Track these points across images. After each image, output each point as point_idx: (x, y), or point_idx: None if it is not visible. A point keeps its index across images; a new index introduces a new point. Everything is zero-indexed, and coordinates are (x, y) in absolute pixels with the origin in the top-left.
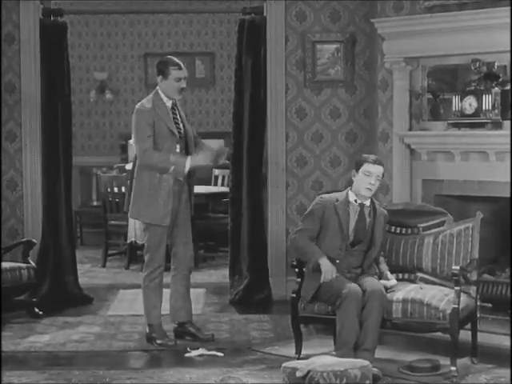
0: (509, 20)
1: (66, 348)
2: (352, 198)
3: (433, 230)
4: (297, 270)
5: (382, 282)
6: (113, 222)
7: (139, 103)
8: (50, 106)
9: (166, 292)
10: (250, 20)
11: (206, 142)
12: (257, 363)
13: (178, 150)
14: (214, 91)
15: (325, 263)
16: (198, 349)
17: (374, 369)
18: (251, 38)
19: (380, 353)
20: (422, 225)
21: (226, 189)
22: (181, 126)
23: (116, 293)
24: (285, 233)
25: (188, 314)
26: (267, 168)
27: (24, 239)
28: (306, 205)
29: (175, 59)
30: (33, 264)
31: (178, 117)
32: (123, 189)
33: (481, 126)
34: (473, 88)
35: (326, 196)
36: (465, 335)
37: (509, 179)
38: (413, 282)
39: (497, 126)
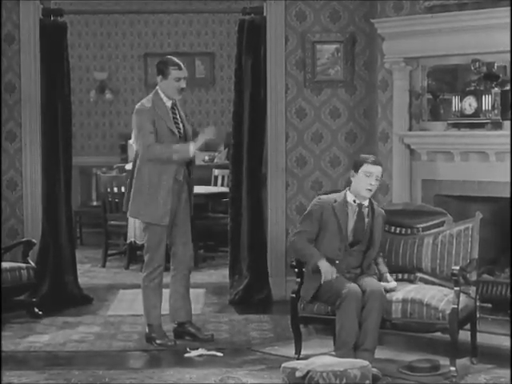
0: (509, 20)
1: (66, 348)
2: (350, 198)
3: (432, 231)
4: (296, 270)
5: (382, 284)
6: (113, 222)
7: (139, 103)
8: (49, 106)
9: (166, 292)
10: (250, 20)
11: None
12: (256, 363)
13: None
14: (213, 91)
15: (324, 265)
16: (197, 349)
17: (374, 369)
18: (251, 38)
19: (380, 353)
20: (421, 225)
21: (225, 189)
22: (180, 125)
23: (116, 293)
24: (285, 233)
25: (188, 314)
26: (267, 168)
27: (24, 239)
28: (305, 205)
29: (175, 59)
30: (33, 264)
31: (178, 117)
32: (123, 189)
33: (481, 126)
34: (473, 88)
35: (324, 197)
36: (464, 335)
37: (509, 179)
38: (412, 282)
39: (497, 126)
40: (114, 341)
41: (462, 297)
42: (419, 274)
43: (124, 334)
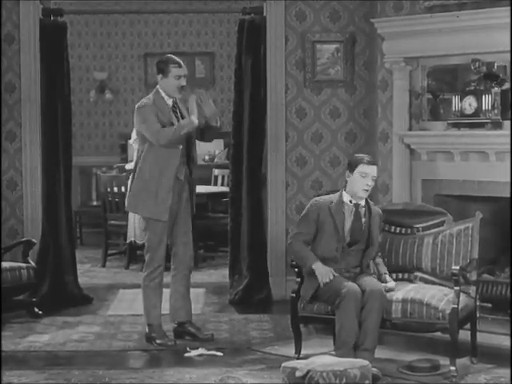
0: (509, 20)
1: (66, 348)
2: (346, 198)
3: (432, 230)
4: (296, 269)
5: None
6: (112, 222)
7: (139, 102)
8: (49, 106)
9: (166, 292)
10: (250, 20)
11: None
12: (256, 363)
13: (180, 147)
14: (213, 91)
15: (318, 268)
16: (197, 349)
17: (374, 369)
18: (251, 37)
19: (379, 353)
20: (421, 225)
21: (225, 189)
22: None
23: (116, 293)
24: (285, 233)
25: (188, 313)
26: (267, 168)
27: (24, 239)
28: (305, 205)
29: (175, 57)
30: (33, 264)
31: (179, 114)
32: (123, 189)
33: (480, 126)
34: (472, 88)
35: (320, 199)
36: (464, 335)
37: (509, 179)
38: (412, 281)
39: (496, 125)
40: (113, 340)
41: (462, 296)
42: (419, 274)
43: (124, 334)
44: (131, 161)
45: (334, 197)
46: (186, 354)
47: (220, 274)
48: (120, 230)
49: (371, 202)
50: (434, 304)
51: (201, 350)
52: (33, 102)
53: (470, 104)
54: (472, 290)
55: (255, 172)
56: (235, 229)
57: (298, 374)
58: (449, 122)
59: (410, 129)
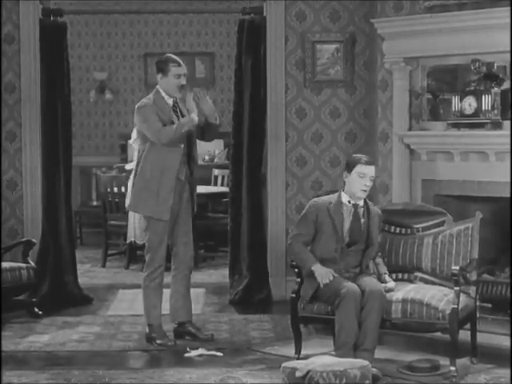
0: (509, 20)
1: (66, 348)
2: (345, 199)
3: (432, 230)
4: (296, 270)
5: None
6: (112, 222)
7: (139, 102)
8: (49, 106)
9: (166, 292)
10: (250, 20)
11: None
12: (256, 363)
13: (181, 146)
14: (213, 91)
15: (317, 269)
16: (197, 349)
17: (374, 369)
18: (251, 38)
19: (379, 353)
20: (421, 225)
21: (225, 189)
22: None
23: (116, 293)
24: (285, 233)
25: (188, 313)
26: (267, 168)
27: (24, 239)
28: (305, 205)
29: (174, 56)
30: (33, 264)
31: (180, 114)
32: (123, 189)
33: (480, 126)
34: (472, 88)
35: (319, 199)
36: (464, 335)
37: (509, 179)
38: (412, 282)
39: (496, 126)
40: (114, 341)
41: (462, 297)
42: (419, 274)
43: (124, 334)
44: (131, 161)
45: (332, 197)
46: (186, 354)
47: (220, 274)
48: (120, 230)
49: (370, 202)
50: (433, 304)
51: (201, 350)
52: (33, 102)
53: (469, 104)
54: (472, 290)
55: (255, 172)
56: (235, 229)
57: (298, 374)
58: (449, 122)
59: (410, 129)
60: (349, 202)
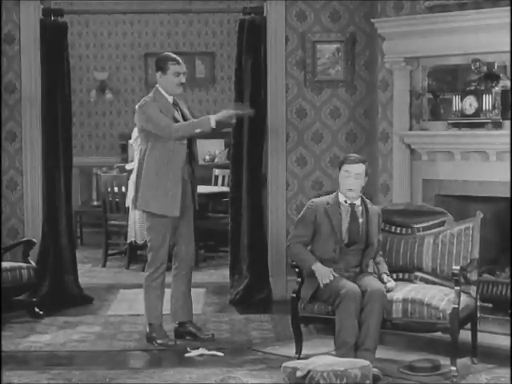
0: (509, 20)
1: (66, 348)
2: (342, 198)
3: (433, 230)
4: (297, 270)
5: None
6: (113, 222)
7: (140, 101)
8: (50, 106)
9: (168, 292)
10: (250, 20)
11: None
12: (257, 363)
13: (185, 142)
14: (214, 91)
15: (318, 268)
16: (198, 348)
17: (375, 369)
18: (251, 37)
19: (380, 353)
20: (422, 225)
21: (226, 189)
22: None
23: (116, 293)
24: (285, 233)
25: (189, 313)
26: (267, 168)
27: (24, 239)
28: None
29: (173, 55)
30: (33, 264)
31: (180, 113)
32: (123, 189)
33: (481, 125)
34: (473, 88)
35: (316, 200)
36: (465, 335)
37: (509, 179)
38: (413, 281)
39: (497, 125)
40: (114, 341)
41: (463, 296)
42: (420, 274)
43: (124, 334)
44: (131, 161)
45: (330, 198)
46: (187, 354)
47: (220, 274)
48: (120, 230)
49: (368, 201)
50: (434, 304)
51: (201, 350)
52: (33, 102)
53: (470, 104)
54: (472, 289)
55: (255, 172)
56: (235, 229)
57: (299, 374)
58: (449, 121)
59: (411, 129)
60: (345, 201)
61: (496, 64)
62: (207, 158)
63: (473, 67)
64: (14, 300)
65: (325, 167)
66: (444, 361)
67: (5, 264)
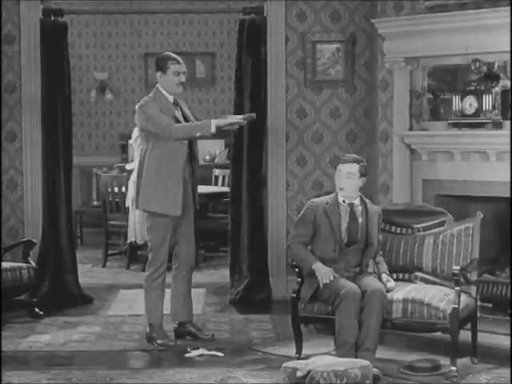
0: (509, 20)
1: (67, 348)
2: (341, 198)
3: (433, 230)
4: (297, 270)
5: None
6: (113, 222)
7: (141, 101)
8: (50, 106)
9: (168, 292)
10: (250, 20)
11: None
12: (257, 363)
13: (185, 142)
14: (214, 91)
15: (318, 267)
16: (198, 349)
17: (375, 369)
18: (251, 38)
19: (380, 353)
20: (422, 225)
21: (226, 189)
22: (183, 121)
23: (116, 293)
24: (285, 233)
25: (189, 313)
26: (267, 168)
27: (24, 239)
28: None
29: (173, 54)
30: (33, 264)
31: (180, 112)
32: (123, 189)
33: (481, 125)
34: (473, 88)
35: (316, 200)
36: (465, 335)
37: (509, 179)
38: (413, 282)
39: (497, 125)
40: (114, 341)
41: (463, 296)
42: (420, 274)
43: (124, 334)
44: (131, 161)
45: (329, 198)
46: (187, 354)
47: (220, 274)
48: (120, 230)
49: (367, 201)
50: (434, 304)
51: (201, 350)
52: (33, 102)
53: (470, 104)
54: (473, 289)
55: (255, 172)
56: (235, 229)
57: (299, 374)
58: (449, 121)
59: (411, 129)
60: (344, 201)
61: (496, 64)
62: (207, 157)
63: (473, 67)
64: (14, 300)
65: (325, 167)
66: (444, 361)
67: (5, 264)
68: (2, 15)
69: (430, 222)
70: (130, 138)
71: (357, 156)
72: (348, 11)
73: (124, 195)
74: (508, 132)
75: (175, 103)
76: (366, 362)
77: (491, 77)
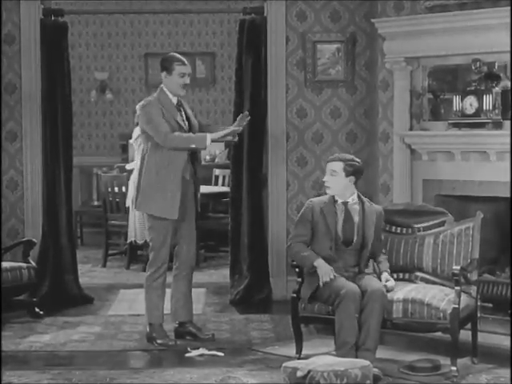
0: (509, 20)
1: (67, 348)
2: (337, 197)
3: (433, 230)
4: (297, 269)
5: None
6: (113, 222)
7: (144, 100)
8: (50, 106)
9: (168, 292)
10: (251, 20)
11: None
12: (257, 363)
13: None
14: (214, 91)
15: (320, 265)
16: (198, 349)
17: (375, 369)
18: (252, 38)
19: (380, 353)
20: (422, 225)
21: (226, 189)
22: (186, 123)
23: (116, 293)
24: (285, 233)
25: (189, 313)
26: (267, 168)
27: (24, 239)
28: None
29: (179, 55)
30: (33, 264)
31: (184, 114)
32: (124, 189)
33: (481, 125)
34: (473, 88)
35: (314, 199)
36: (465, 335)
37: (509, 179)
38: (413, 282)
39: (497, 125)
40: (114, 341)
41: (463, 296)
42: (420, 274)
43: (125, 334)
44: (132, 161)
45: (327, 197)
46: (187, 354)
47: (221, 274)
48: (120, 230)
49: (365, 200)
50: (434, 304)
51: (201, 350)
52: (33, 102)
53: (470, 104)
54: (473, 289)
55: (256, 172)
56: (236, 229)
57: (299, 374)
58: (449, 121)
59: (411, 129)
60: (337, 200)
61: (496, 64)
62: (208, 158)
63: (473, 67)
64: (14, 300)
65: (325, 167)
66: (444, 361)
67: (5, 264)
68: (2, 15)
69: (430, 222)
70: (131, 138)
71: (347, 155)
72: (348, 11)
73: (124, 195)
74: (508, 132)
75: (179, 104)
76: (367, 362)
77: (491, 77)
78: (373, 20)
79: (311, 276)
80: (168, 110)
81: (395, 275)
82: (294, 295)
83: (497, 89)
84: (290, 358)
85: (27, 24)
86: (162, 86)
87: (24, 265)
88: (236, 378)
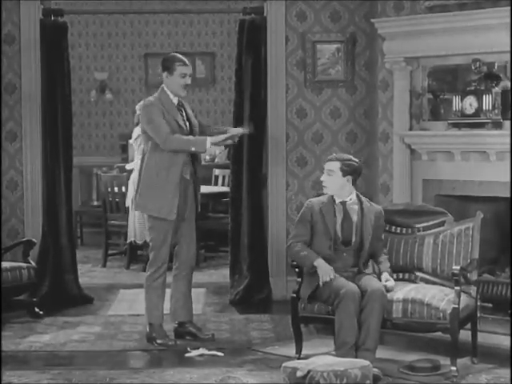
0: (509, 20)
1: (67, 348)
2: (335, 197)
3: (433, 230)
4: (297, 269)
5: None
6: (113, 222)
7: (145, 100)
8: (50, 106)
9: (168, 292)
10: (251, 20)
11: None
12: (257, 363)
13: None
14: (214, 91)
15: (321, 264)
16: (198, 349)
17: (375, 369)
18: (251, 38)
19: (380, 353)
20: (422, 225)
21: (226, 189)
22: (187, 123)
23: (116, 293)
24: (285, 233)
25: (189, 313)
26: (267, 168)
27: (24, 239)
28: None
29: (180, 56)
30: (33, 264)
31: (185, 114)
32: (123, 189)
33: (481, 125)
34: (473, 88)
35: (314, 199)
36: (465, 335)
37: (509, 179)
38: (413, 281)
39: (497, 125)
40: (114, 341)
41: (463, 296)
42: (420, 274)
43: (124, 334)
44: (132, 161)
45: (326, 197)
46: (187, 354)
47: (220, 274)
48: (120, 230)
49: (364, 199)
50: (434, 304)
51: (201, 350)
52: (33, 102)
53: (470, 104)
54: (473, 290)
55: (256, 172)
56: (236, 229)
57: (299, 374)
58: (449, 121)
59: (411, 129)
60: (335, 199)
61: (496, 64)
62: (207, 158)
63: (473, 67)
64: (14, 300)
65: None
66: (444, 361)
67: (5, 264)
68: (2, 15)
69: (430, 222)
70: (130, 138)
71: (344, 155)
72: (348, 11)
73: (124, 195)
74: (508, 132)
75: (179, 104)
76: (366, 362)
77: (491, 77)
78: (373, 20)
79: (311, 276)
80: (169, 111)
81: (395, 275)
82: (294, 295)
83: (496, 89)
84: (289, 358)
85: (27, 24)
86: (162, 86)
87: (24, 265)
88: (236, 378)
